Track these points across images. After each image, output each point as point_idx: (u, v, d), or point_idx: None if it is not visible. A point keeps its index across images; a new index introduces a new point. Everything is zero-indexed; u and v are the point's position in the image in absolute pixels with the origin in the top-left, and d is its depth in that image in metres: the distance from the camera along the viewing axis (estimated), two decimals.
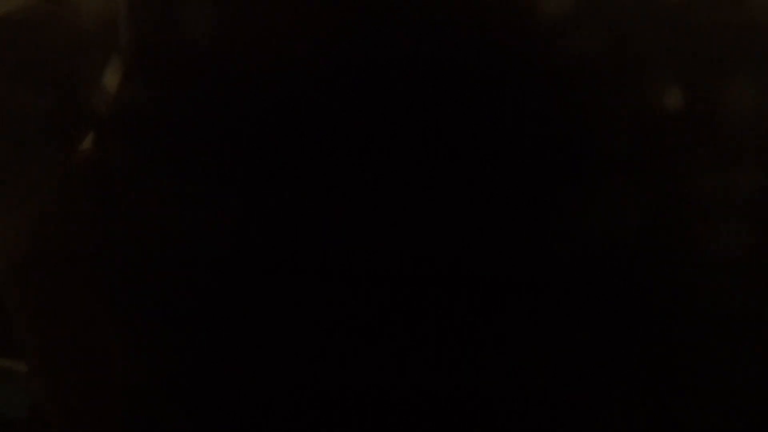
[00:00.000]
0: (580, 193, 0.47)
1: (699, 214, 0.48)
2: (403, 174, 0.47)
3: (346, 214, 0.47)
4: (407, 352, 0.48)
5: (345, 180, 0.47)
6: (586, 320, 0.47)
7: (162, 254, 0.49)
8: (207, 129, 0.48)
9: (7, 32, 0.53)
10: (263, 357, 0.48)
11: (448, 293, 0.47)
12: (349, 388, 0.48)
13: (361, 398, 0.48)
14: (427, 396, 0.48)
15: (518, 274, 0.47)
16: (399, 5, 0.47)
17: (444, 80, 0.47)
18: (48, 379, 0.54)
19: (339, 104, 0.47)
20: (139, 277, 0.49)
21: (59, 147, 0.51)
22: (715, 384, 0.49)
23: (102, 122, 0.50)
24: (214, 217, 0.48)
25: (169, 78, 0.49)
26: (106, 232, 0.50)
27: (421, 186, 0.47)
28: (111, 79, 0.49)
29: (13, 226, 0.52)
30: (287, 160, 0.47)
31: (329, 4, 0.47)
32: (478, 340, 0.47)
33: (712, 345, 0.48)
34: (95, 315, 0.51)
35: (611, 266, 0.47)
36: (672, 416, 0.48)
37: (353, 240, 0.47)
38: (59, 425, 0.54)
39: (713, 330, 0.48)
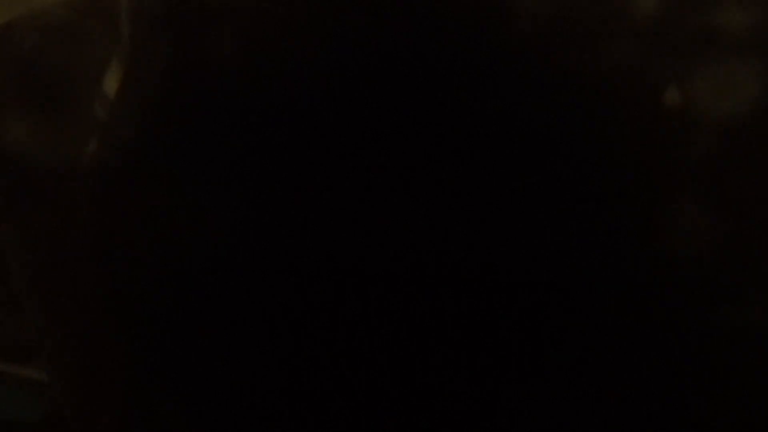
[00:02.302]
0: (581, 194, 0.47)
1: (696, 213, 0.48)
2: (404, 177, 0.47)
3: (346, 215, 0.47)
4: (407, 352, 0.48)
5: (346, 182, 0.47)
6: (587, 322, 0.47)
7: (164, 257, 0.49)
8: (208, 130, 0.48)
9: (20, 36, 0.53)
10: (264, 357, 0.48)
11: (449, 294, 0.47)
12: (349, 388, 0.48)
13: (361, 397, 0.48)
14: (427, 395, 0.48)
15: (520, 275, 0.47)
16: (400, 11, 0.47)
17: (450, 83, 0.47)
18: (63, 382, 0.54)
19: (338, 108, 0.47)
20: (141, 280, 0.49)
21: (60, 153, 0.51)
22: (720, 387, 0.48)
23: (103, 126, 0.50)
24: (215, 219, 0.48)
25: (169, 80, 0.49)
26: (108, 236, 0.50)
27: (423, 187, 0.47)
28: (112, 82, 0.50)
29: (23, 237, 0.53)
30: (289, 162, 0.48)
31: (330, 11, 0.48)
32: (479, 341, 0.47)
33: (715, 348, 0.48)
34: (100, 318, 0.51)
35: (613, 268, 0.47)
36: (671, 416, 0.48)
37: (355, 241, 0.47)
38: (77, 428, 0.54)
39: (714, 332, 0.48)
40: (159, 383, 0.50)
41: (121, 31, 0.50)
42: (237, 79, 0.48)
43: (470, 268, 0.47)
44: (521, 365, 0.47)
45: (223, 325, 0.48)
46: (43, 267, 0.52)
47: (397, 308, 0.47)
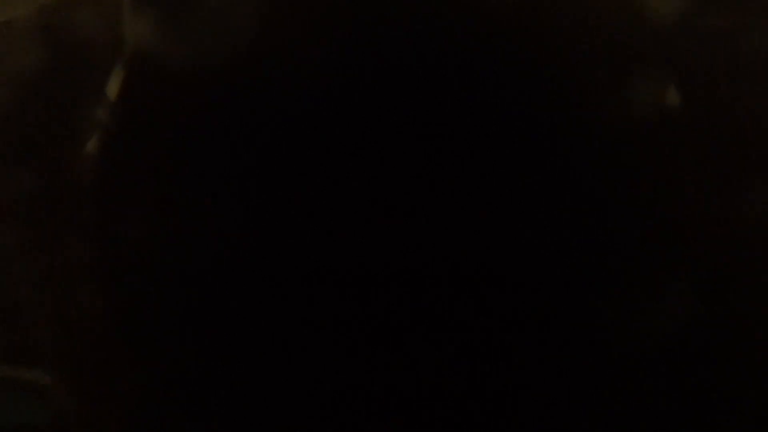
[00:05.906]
0: (580, 193, 0.47)
1: (693, 213, 0.48)
2: (404, 176, 0.47)
3: (346, 216, 0.47)
4: (409, 353, 0.48)
5: (346, 183, 0.47)
6: (588, 320, 0.47)
7: (168, 259, 0.49)
8: (209, 136, 0.48)
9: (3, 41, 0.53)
10: (266, 359, 0.48)
11: (448, 295, 0.47)
12: (350, 390, 0.48)
13: (362, 399, 0.48)
14: (428, 395, 0.48)
15: (520, 274, 0.47)
16: (399, 13, 0.48)
17: (453, 84, 0.47)
18: (68, 388, 0.54)
19: (337, 109, 0.47)
20: (145, 282, 0.50)
21: (59, 156, 0.51)
22: (714, 384, 0.48)
23: (104, 129, 0.50)
24: (219, 220, 0.48)
25: (171, 84, 0.49)
26: (110, 240, 0.50)
27: (424, 189, 0.47)
28: (114, 87, 0.50)
29: (22, 239, 0.53)
30: (291, 162, 0.48)
31: (330, 16, 0.48)
32: (479, 340, 0.47)
33: (712, 343, 0.48)
34: (105, 323, 0.51)
35: (611, 267, 0.47)
36: (670, 416, 0.48)
37: (355, 242, 0.47)
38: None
39: (713, 329, 0.48)
40: (164, 386, 0.50)
41: (120, 33, 0.50)
42: (239, 80, 0.48)
43: (475, 269, 0.47)
44: (524, 366, 0.47)
45: (229, 326, 0.49)
46: (46, 273, 0.52)
47: (398, 309, 0.47)
